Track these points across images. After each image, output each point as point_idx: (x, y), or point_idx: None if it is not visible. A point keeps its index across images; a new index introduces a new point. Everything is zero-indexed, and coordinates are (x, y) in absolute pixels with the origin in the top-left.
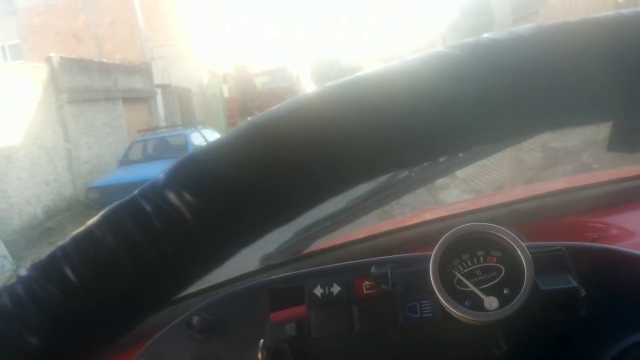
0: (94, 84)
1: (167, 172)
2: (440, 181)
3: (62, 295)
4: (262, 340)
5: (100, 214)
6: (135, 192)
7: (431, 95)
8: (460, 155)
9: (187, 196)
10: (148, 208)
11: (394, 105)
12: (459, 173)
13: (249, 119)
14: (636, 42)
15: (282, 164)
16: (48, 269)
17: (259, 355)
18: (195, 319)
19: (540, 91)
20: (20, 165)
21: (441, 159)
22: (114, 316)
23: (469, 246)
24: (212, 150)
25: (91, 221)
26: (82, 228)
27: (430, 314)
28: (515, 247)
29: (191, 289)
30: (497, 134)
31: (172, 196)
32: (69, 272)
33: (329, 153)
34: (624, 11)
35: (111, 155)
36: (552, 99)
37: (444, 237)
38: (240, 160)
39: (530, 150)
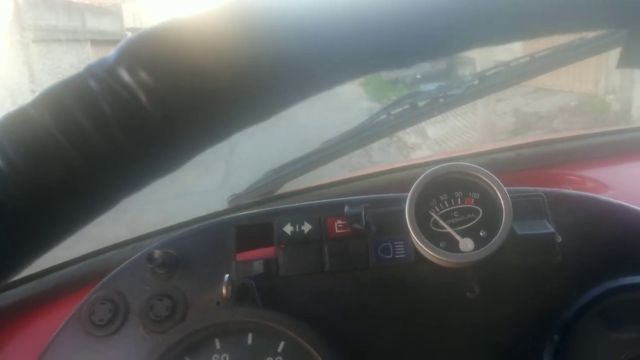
0: (61, 24)
1: (120, 46)
2: (412, 141)
3: None
4: (227, 276)
5: (39, 93)
6: (83, 69)
7: None
8: (440, 100)
9: (143, 74)
10: (95, 87)
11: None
12: (431, 134)
13: None
14: None
15: (264, 46)
16: None
17: (224, 291)
18: (157, 253)
19: None
20: None
21: (422, 103)
22: (52, 212)
23: (447, 187)
24: (177, 24)
25: (27, 101)
26: (15, 108)
27: (402, 255)
28: (495, 189)
29: (154, 227)
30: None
31: (124, 74)
32: None
33: (321, 38)
34: None
35: None
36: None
37: (422, 176)
38: (213, 35)
39: (503, 114)
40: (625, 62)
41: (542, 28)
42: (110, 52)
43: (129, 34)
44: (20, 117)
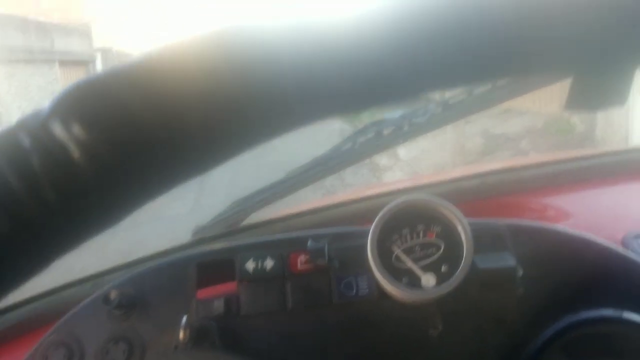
0: (28, 44)
1: (56, 97)
2: (384, 162)
3: None
4: (184, 318)
5: None
6: (15, 122)
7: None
8: (405, 128)
9: (76, 127)
10: (26, 142)
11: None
12: (403, 155)
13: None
14: None
15: (214, 94)
16: None
17: (181, 335)
18: (113, 293)
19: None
20: None
21: (387, 131)
22: None
23: (409, 221)
24: (117, 72)
25: None
26: None
27: (366, 291)
28: (457, 222)
29: (114, 263)
30: (446, 83)
31: (57, 127)
32: None
33: (273, 85)
34: None
35: None
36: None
37: (384, 210)
38: (155, 85)
39: (472, 135)
40: (571, 105)
41: (490, 75)
42: (45, 104)
43: (99, 54)
44: None
